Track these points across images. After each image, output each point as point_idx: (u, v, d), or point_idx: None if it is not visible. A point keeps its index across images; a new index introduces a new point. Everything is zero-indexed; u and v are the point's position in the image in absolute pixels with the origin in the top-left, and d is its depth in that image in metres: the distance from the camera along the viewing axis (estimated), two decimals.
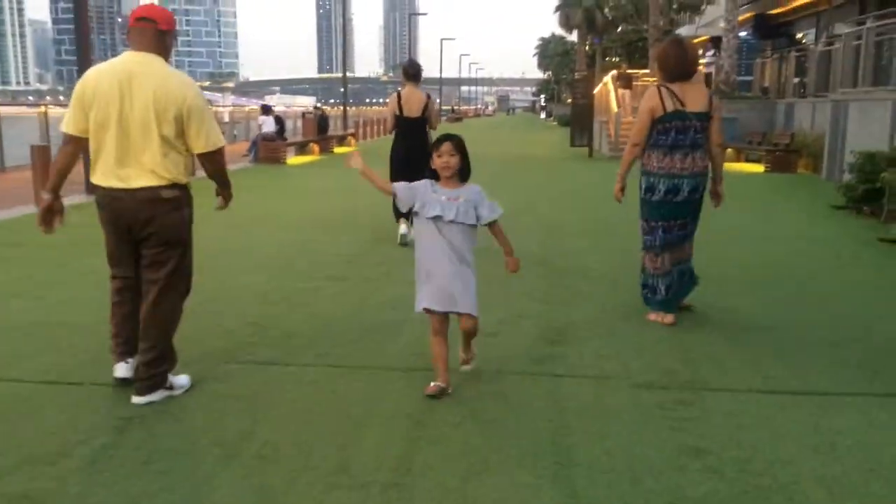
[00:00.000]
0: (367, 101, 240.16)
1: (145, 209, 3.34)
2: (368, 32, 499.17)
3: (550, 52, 78.25)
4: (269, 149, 17.52)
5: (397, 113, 7.48)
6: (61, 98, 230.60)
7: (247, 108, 33.17)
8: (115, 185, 3.35)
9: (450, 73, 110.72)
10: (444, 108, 73.39)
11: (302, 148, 20.28)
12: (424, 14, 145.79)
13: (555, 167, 18.41)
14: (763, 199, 11.70)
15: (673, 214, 4.82)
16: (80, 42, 10.90)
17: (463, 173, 3.65)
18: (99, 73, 3.37)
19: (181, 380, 3.63)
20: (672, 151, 4.72)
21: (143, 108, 3.28)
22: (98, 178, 3.40)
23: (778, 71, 27.29)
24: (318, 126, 21.26)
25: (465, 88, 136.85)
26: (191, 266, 3.63)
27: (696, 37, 34.28)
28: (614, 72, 26.45)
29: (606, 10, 45.72)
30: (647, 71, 27.97)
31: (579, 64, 48.00)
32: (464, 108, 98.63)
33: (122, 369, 3.56)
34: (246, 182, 13.07)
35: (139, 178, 3.32)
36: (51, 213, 3.50)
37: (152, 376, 3.45)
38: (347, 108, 28.48)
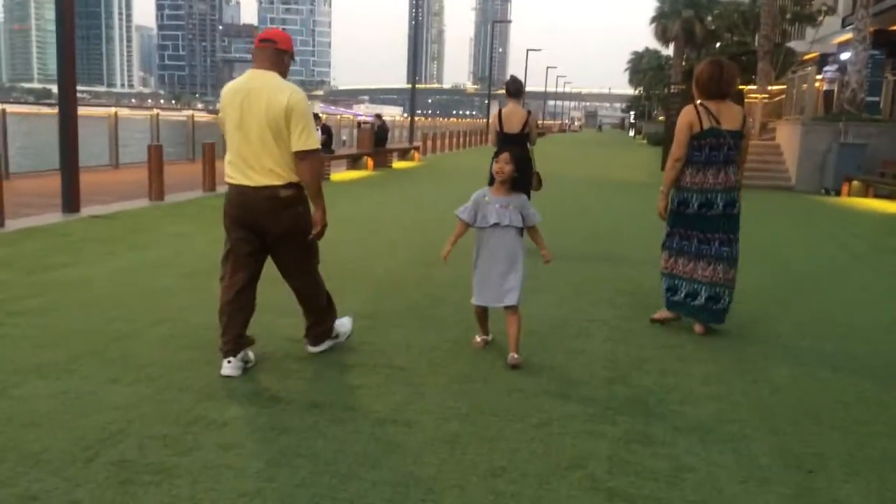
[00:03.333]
0: (455, 112, 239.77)
1: (267, 206, 3.79)
2: (459, 44, 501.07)
3: (643, 66, 74.45)
4: None
5: (498, 129, 7.72)
6: (161, 101, 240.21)
7: (337, 116, 32.14)
8: (243, 183, 3.81)
9: (536, 86, 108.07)
10: None
11: (355, 162, 18.18)
12: (509, 21, 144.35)
13: (644, 195, 15.62)
14: None
15: (710, 227, 4.96)
16: (62, 45, 9.03)
17: (514, 182, 4.31)
18: (229, 88, 3.88)
19: (344, 324, 4.46)
20: (706, 167, 4.91)
21: (258, 119, 3.75)
22: (230, 177, 3.87)
23: None
24: (376, 138, 19.17)
25: (551, 103, 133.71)
26: (318, 256, 4.18)
27: (808, 53, 30.74)
28: None
29: (709, 19, 42.21)
30: (754, 87, 24.75)
31: (675, 79, 44.61)
32: (548, 122, 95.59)
33: (227, 368, 3.87)
34: None
35: (262, 177, 3.78)
36: None
37: (321, 332, 4.26)
38: (424, 119, 26.34)
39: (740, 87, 22.63)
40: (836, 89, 20.40)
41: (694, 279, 5.02)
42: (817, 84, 20.62)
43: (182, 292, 5.61)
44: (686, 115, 4.91)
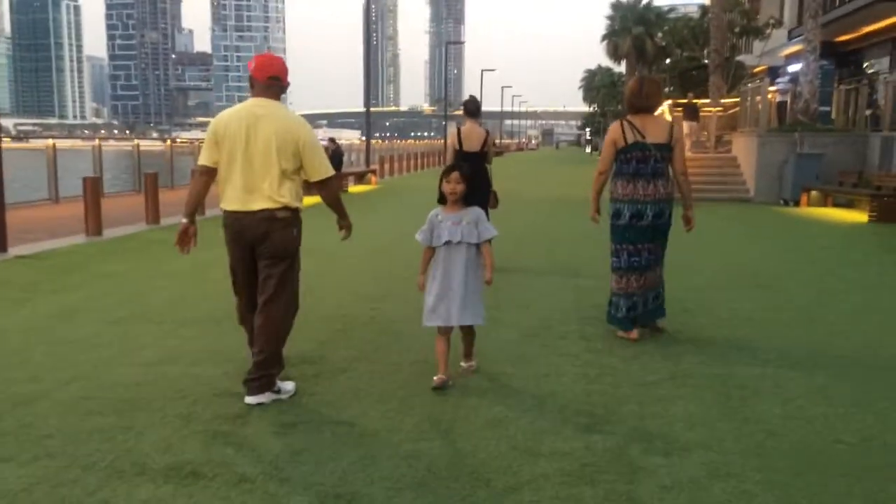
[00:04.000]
0: (412, 133, 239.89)
1: (262, 226, 3.86)
2: (415, 67, 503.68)
3: (597, 83, 75.32)
4: None
5: (457, 147, 7.65)
6: (115, 132, 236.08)
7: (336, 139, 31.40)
8: (239, 209, 3.86)
9: (493, 106, 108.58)
10: None
11: (307, 189, 17.56)
12: (462, 42, 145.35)
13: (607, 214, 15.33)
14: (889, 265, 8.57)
15: (639, 238, 5.13)
16: None
17: (466, 198, 4.21)
18: (230, 115, 3.93)
19: (287, 386, 4.04)
20: (635, 179, 5.07)
21: (265, 145, 3.82)
22: (226, 204, 3.92)
23: (854, 102, 24.06)
24: (331, 162, 18.56)
25: (507, 122, 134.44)
26: (297, 281, 4.12)
27: (757, 66, 31.15)
28: (669, 101, 23.40)
29: (660, 35, 42.65)
30: (707, 101, 24.86)
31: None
32: (506, 141, 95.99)
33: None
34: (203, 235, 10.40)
35: (259, 202, 3.84)
36: (187, 236, 4.00)
37: (262, 377, 3.87)
38: (380, 142, 25.87)
39: (694, 100, 22.74)
40: (788, 100, 20.54)
41: (634, 292, 5.21)
42: (770, 96, 20.71)
43: (103, 343, 5.00)
44: (611, 132, 5.17)
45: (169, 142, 22.21)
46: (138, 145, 19.73)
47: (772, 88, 21.15)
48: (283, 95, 4.05)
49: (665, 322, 5.45)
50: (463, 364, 4.42)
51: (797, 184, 16.90)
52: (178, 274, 7.49)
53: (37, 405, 3.84)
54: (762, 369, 4.57)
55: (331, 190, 4.12)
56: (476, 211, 4.20)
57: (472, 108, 7.95)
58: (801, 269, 8.26)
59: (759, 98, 19.59)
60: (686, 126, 21.40)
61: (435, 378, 4.15)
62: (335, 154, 19.11)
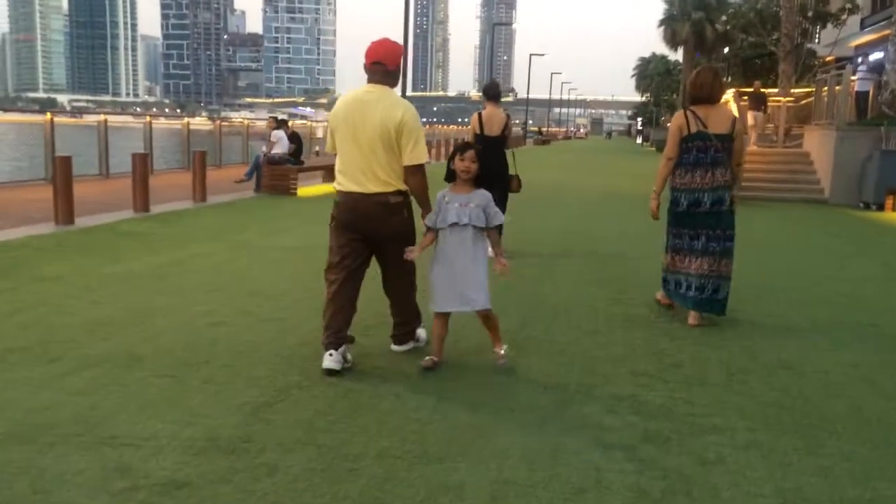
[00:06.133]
0: (459, 119, 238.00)
1: (377, 211, 3.99)
2: (465, 52, 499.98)
3: (650, 72, 72.35)
4: (274, 174, 13.36)
5: (478, 132, 7.53)
6: (166, 110, 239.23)
7: (308, 123, 31.08)
8: (355, 190, 4.00)
9: (541, 93, 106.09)
10: (531, 129, 68.91)
11: (332, 174, 16.11)
12: (509, 24, 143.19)
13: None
14: None
15: (699, 224, 5.25)
16: None
17: (478, 180, 4.01)
18: (343, 102, 4.10)
19: (422, 333, 4.50)
20: (694, 168, 5.20)
21: (372, 131, 3.94)
22: (342, 186, 4.07)
23: None
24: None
25: (556, 110, 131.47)
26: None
27: (828, 55, 28.65)
28: (733, 90, 21.25)
29: (724, 18, 40.08)
30: (775, 90, 22.64)
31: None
32: (553, 129, 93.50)
33: (329, 361, 4.00)
34: (210, 222, 9.00)
35: (374, 185, 3.97)
36: None
37: (406, 332, 4.42)
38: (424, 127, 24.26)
39: (762, 89, 20.56)
40: (871, 91, 18.30)
41: (686, 272, 5.33)
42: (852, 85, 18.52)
43: None
44: (676, 120, 5.32)
45: (218, 122, 22.95)
46: (188, 124, 20.52)
47: (853, 77, 18.86)
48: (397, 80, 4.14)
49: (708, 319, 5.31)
50: (497, 350, 4.20)
51: (881, 185, 14.82)
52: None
53: None
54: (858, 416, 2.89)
55: (420, 178, 4.07)
56: (485, 194, 4.02)
57: (493, 93, 7.84)
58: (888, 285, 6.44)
59: (838, 87, 17.42)
60: (751, 117, 19.30)
61: (426, 358, 4.15)
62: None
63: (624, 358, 4.49)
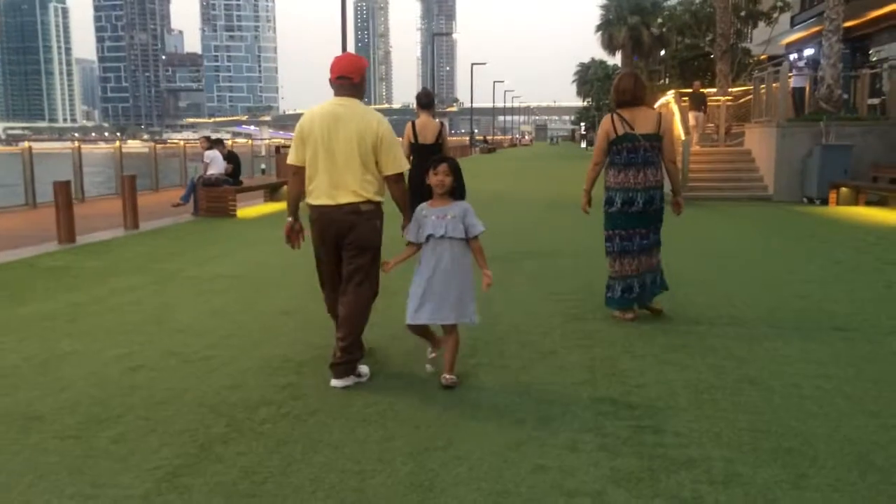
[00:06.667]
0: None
1: (348, 219, 4.02)
2: (407, 64, 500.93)
3: (590, 77, 73.23)
4: (210, 196, 12.75)
5: (412, 141, 7.61)
6: (105, 134, 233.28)
7: (283, 140, 30.92)
8: (326, 203, 4.04)
9: (485, 102, 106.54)
10: (476, 138, 68.96)
11: (274, 193, 15.55)
12: (449, 34, 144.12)
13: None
14: None
15: (631, 224, 5.39)
16: None
17: (454, 192, 4.01)
18: (312, 116, 4.11)
19: (364, 369, 4.22)
20: (626, 168, 5.32)
21: (347, 142, 3.98)
22: (313, 199, 4.10)
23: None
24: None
25: (500, 118, 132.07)
26: (378, 271, 4.22)
27: (762, 54, 29.17)
28: (672, 92, 21.34)
29: (659, 21, 40.61)
30: (713, 90, 22.84)
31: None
32: (498, 137, 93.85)
33: (337, 383, 4.05)
34: (139, 251, 8.38)
35: (345, 196, 4.01)
36: (293, 232, 4.30)
37: (347, 361, 4.09)
38: None
39: (702, 90, 20.71)
40: (806, 87, 18.53)
41: (631, 274, 5.45)
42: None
43: None
44: (603, 125, 5.43)
45: (153, 144, 22.84)
46: (120, 147, 20.04)
47: (789, 74, 19.07)
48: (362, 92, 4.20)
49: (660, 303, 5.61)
50: (446, 377, 4.04)
51: (824, 180, 14.94)
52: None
53: None
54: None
55: (400, 186, 4.16)
56: (462, 205, 4.02)
57: (425, 101, 7.92)
58: (879, 304, 6.27)
59: (776, 85, 17.59)
60: (692, 117, 19.39)
61: (432, 354, 4.20)
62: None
63: (584, 382, 4.15)
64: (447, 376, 4.02)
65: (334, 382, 4.05)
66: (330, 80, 4.13)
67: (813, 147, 15.41)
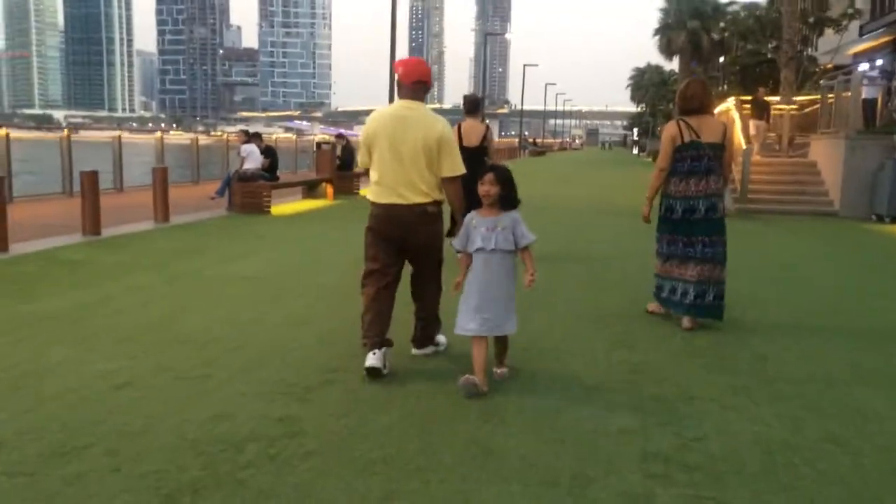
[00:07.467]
0: None
1: (414, 219, 4.18)
2: (460, 64, 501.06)
3: (645, 82, 71.56)
4: (245, 192, 12.37)
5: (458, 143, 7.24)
6: (162, 125, 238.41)
7: (274, 136, 31.90)
8: (395, 202, 4.15)
9: (536, 104, 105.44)
10: (526, 141, 68.16)
11: (312, 189, 15.15)
12: (501, 34, 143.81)
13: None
14: None
15: (694, 231, 5.35)
16: None
17: (504, 202, 3.99)
18: (379, 118, 4.24)
19: (441, 339, 4.66)
20: (688, 176, 5.32)
21: (414, 144, 4.11)
22: (379, 198, 4.20)
23: None
24: (340, 161, 16.16)
25: (551, 121, 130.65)
26: (441, 261, 4.47)
27: (828, 63, 27.80)
28: (732, 99, 20.32)
29: (721, 25, 39.24)
30: (777, 98, 21.73)
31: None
32: (548, 140, 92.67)
33: (372, 359, 4.09)
34: (163, 247, 7.95)
35: (415, 197, 4.14)
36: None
37: (427, 336, 4.57)
38: None
39: (766, 98, 19.65)
40: (878, 98, 17.40)
41: (682, 279, 5.38)
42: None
43: None
44: (668, 130, 5.42)
45: (195, 136, 23.39)
46: (161, 137, 20.04)
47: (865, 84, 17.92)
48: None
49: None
50: (496, 370, 4.19)
51: (895, 196, 13.91)
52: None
53: None
54: None
55: (456, 187, 4.25)
56: (512, 215, 4.01)
57: (471, 106, 8.27)
58: None
59: (846, 94, 16.52)
60: (753, 126, 18.41)
61: (468, 376, 3.93)
62: (345, 152, 16.60)
63: (631, 432, 3.50)
64: (497, 370, 4.16)
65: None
66: (403, 83, 4.21)
67: (884, 161, 14.38)
